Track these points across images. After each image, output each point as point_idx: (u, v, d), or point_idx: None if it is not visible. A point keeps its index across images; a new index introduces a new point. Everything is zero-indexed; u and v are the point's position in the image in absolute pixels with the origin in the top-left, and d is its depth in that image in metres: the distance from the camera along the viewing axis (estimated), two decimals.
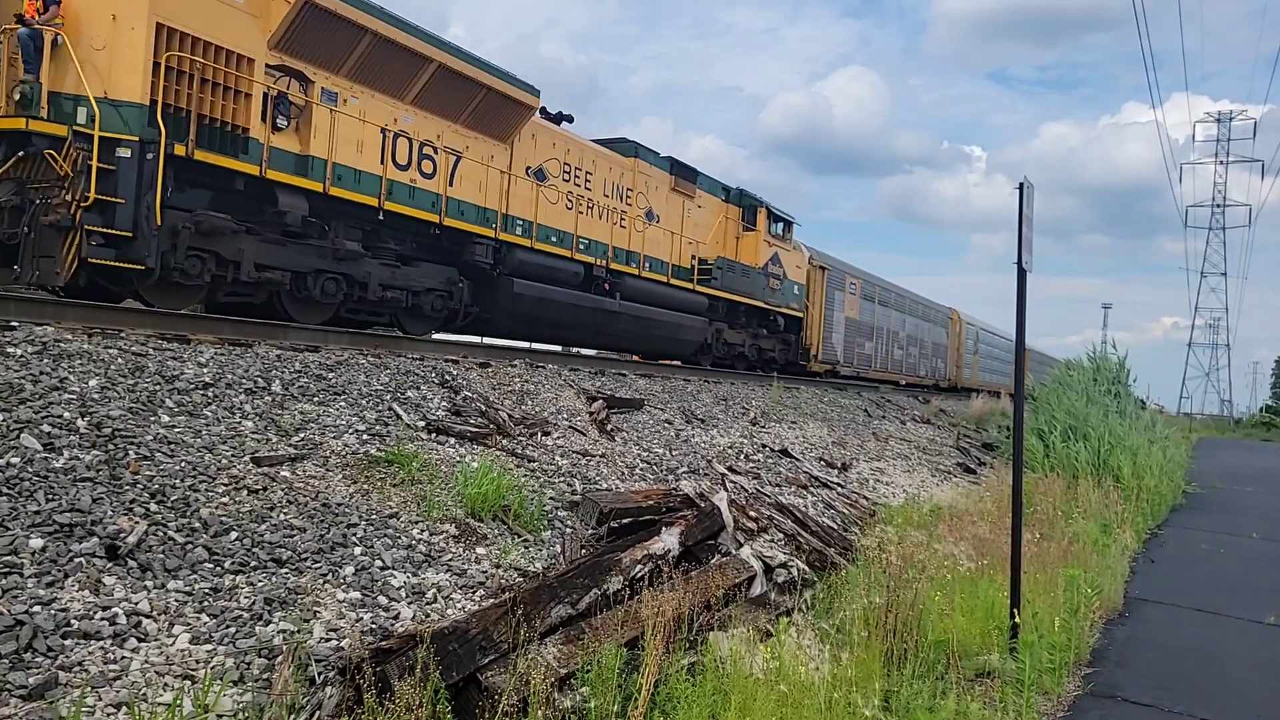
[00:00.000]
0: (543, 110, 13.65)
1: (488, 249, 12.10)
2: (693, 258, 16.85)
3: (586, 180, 14.40)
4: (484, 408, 7.77)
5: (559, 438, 7.90)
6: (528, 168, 13.09)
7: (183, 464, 4.77)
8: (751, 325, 19.32)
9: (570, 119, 14.54)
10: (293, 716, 3.23)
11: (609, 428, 8.88)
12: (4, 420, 4.48)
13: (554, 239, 13.48)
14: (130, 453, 4.65)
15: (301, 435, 5.81)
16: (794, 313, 20.91)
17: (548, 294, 13.13)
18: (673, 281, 16.17)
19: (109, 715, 3.03)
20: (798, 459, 10.48)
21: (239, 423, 5.61)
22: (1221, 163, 76.53)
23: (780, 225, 20.37)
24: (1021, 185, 5.46)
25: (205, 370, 6.18)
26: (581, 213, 14.08)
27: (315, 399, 6.54)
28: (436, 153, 11.29)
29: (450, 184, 11.48)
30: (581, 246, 13.98)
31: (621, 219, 15.10)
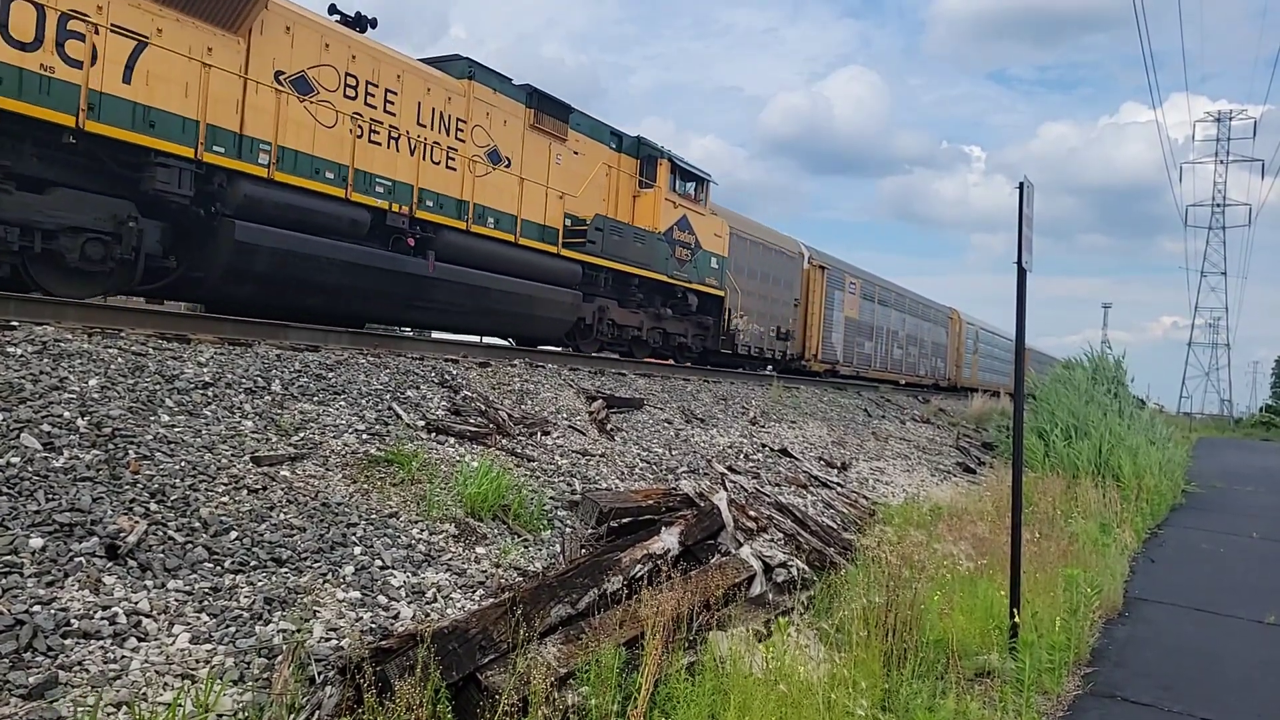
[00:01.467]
0: (331, 9, 10.83)
1: (182, 175, 8.55)
2: (565, 216, 13.60)
3: (387, 102, 10.81)
4: (484, 407, 7.77)
5: (559, 437, 7.90)
6: (280, 73, 9.63)
7: (183, 463, 4.77)
8: (653, 304, 16.03)
9: (373, 24, 11.20)
10: (293, 716, 3.23)
11: (609, 427, 8.88)
12: (4, 420, 4.48)
13: (322, 173, 9.98)
14: (130, 452, 4.65)
15: (301, 435, 5.81)
16: (710, 290, 17.54)
17: (302, 247, 9.60)
18: (524, 242, 12.71)
19: (109, 715, 3.03)
20: (797, 458, 10.49)
21: (239, 422, 5.61)
22: (1221, 162, 76.60)
23: (691, 184, 17.05)
24: (1021, 185, 5.46)
25: (205, 370, 6.18)
26: (376, 143, 10.53)
27: (315, 398, 6.54)
28: (97, 31, 7.88)
29: (126, 79, 8.16)
30: (372, 187, 10.43)
31: (447, 157, 11.49)
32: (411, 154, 11.11)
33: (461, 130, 11.96)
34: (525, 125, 13.08)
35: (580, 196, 14.08)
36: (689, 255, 16.71)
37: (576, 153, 14.19)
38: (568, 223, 13.79)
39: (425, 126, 11.39)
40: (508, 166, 12.67)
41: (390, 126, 10.83)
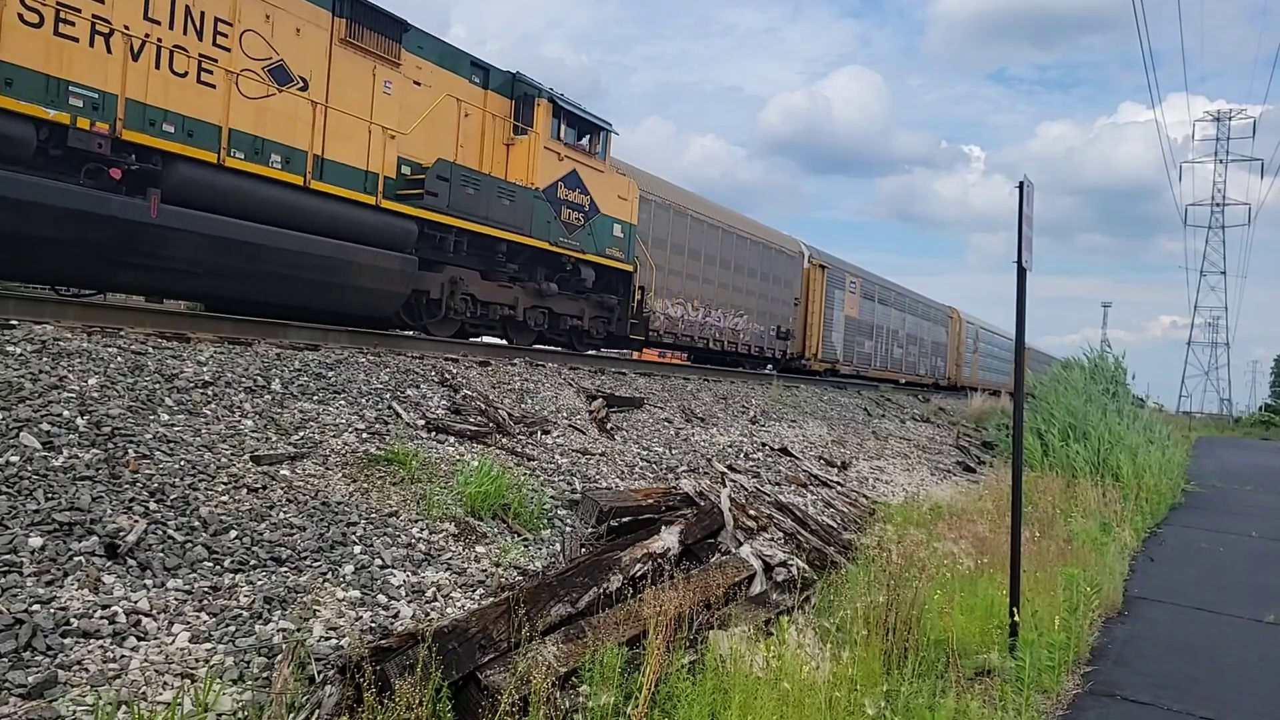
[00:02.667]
0: None
1: None
2: (400, 162, 10.82)
3: None
4: (483, 406, 7.76)
5: (559, 436, 7.90)
6: None
7: (182, 463, 4.76)
8: (533, 277, 13.04)
9: None
10: (292, 715, 3.23)
11: (609, 426, 8.88)
12: (3, 419, 4.48)
13: None
14: (129, 451, 4.64)
15: (301, 434, 5.81)
16: (614, 263, 14.54)
17: None
18: (322, 187, 9.70)
19: (109, 714, 3.03)
20: (797, 457, 10.49)
21: (238, 421, 5.60)
22: (1221, 161, 76.64)
23: (586, 136, 14.11)
24: (1021, 184, 5.45)
25: (205, 369, 6.18)
26: (67, 36, 7.66)
27: (315, 397, 6.54)
28: None
29: None
30: (60, 95, 7.63)
31: (198, 69, 8.61)
32: (140, 59, 8.17)
33: (225, 35, 8.94)
34: (333, 39, 10.02)
35: (421, 138, 10.98)
36: (581, 220, 13.66)
37: (418, 83, 11.08)
38: (405, 171, 10.88)
39: (157, 23, 8.36)
40: (302, 89, 9.61)
41: (95, 17, 7.85)
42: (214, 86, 8.81)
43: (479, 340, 12.64)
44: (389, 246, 10.44)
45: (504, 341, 12.77)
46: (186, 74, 8.59)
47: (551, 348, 13.87)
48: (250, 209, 8.99)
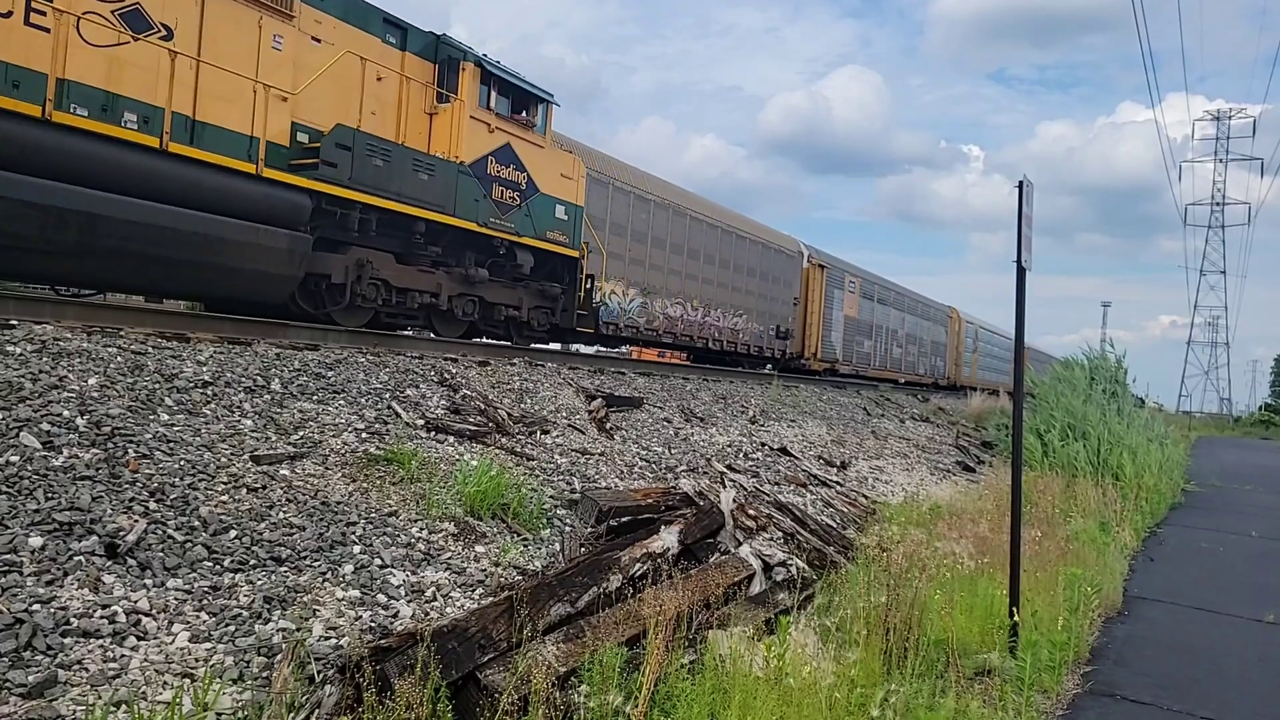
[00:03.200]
0: None
1: None
2: (294, 128, 9.45)
3: None
4: (483, 406, 7.76)
5: (558, 436, 7.90)
6: None
7: (182, 462, 4.76)
8: (460, 262, 11.69)
9: None
10: (292, 715, 3.23)
11: (608, 426, 8.88)
12: (3, 418, 4.48)
13: None
14: (129, 451, 4.64)
15: (301, 433, 5.81)
16: (557, 248, 13.20)
17: None
18: (180, 150, 8.30)
19: (109, 713, 3.03)
20: (797, 457, 10.49)
21: (238, 421, 5.60)
22: (1220, 161, 76.68)
23: (523, 106, 12.56)
24: (1021, 184, 5.45)
25: (204, 369, 6.18)
26: None
27: (314, 397, 6.54)
28: None
29: None
30: None
31: (27, 8, 7.32)
32: None
33: None
34: None
35: (321, 102, 9.68)
36: (517, 199, 12.31)
37: (317, 40, 9.75)
38: (302, 138, 9.51)
39: None
40: (165, 38, 8.27)
41: None
42: (47, 30, 7.44)
43: (478, 340, 12.60)
44: (276, 223, 9.05)
45: (432, 335, 11.58)
46: (11, 13, 7.22)
47: (545, 346, 13.52)
48: (96, 175, 7.71)
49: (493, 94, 11.95)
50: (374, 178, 10.06)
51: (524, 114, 12.56)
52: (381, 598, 4.31)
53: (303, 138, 9.62)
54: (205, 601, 3.79)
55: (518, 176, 12.46)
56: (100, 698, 3.07)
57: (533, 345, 13.22)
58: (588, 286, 14.07)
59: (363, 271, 10.43)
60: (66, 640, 3.29)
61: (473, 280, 11.91)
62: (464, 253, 11.79)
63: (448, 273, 11.57)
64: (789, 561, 5.63)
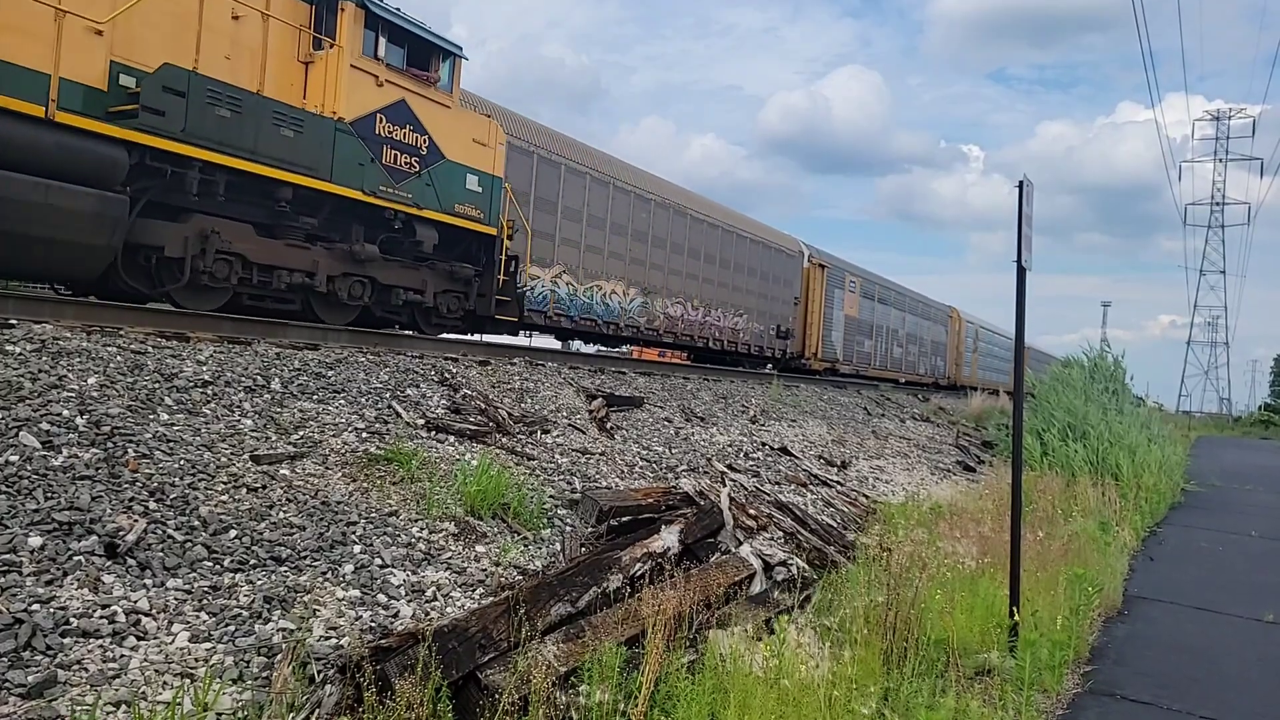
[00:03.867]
0: None
1: None
2: (114, 69, 7.82)
3: None
4: (483, 406, 7.76)
5: (558, 436, 7.90)
6: None
7: (182, 462, 4.76)
8: (345, 237, 10.10)
9: None
10: (292, 715, 3.23)
11: (608, 426, 8.88)
12: (3, 418, 4.47)
13: None
14: (129, 451, 4.64)
15: (301, 433, 5.80)
16: (471, 225, 11.44)
17: None
18: None
19: (108, 713, 3.03)
20: (797, 457, 10.49)
21: (238, 421, 5.60)
22: (1220, 161, 76.67)
23: (423, 58, 10.74)
24: (1021, 183, 5.45)
25: (204, 368, 6.18)
26: None
27: (314, 397, 6.53)
28: None
29: None
30: None
31: None
32: None
33: None
34: None
35: (153, 38, 8.08)
36: (415, 166, 10.60)
37: None
38: (128, 82, 7.88)
39: None
40: None
41: None
42: None
43: (478, 339, 12.54)
44: (78, 180, 7.40)
45: (313, 320, 9.89)
46: None
47: (545, 346, 13.03)
48: None
49: (382, 41, 10.15)
50: (218, 131, 8.34)
51: (425, 68, 10.72)
52: (382, 597, 4.31)
53: (127, 81, 7.90)
54: (205, 601, 3.79)
55: (416, 139, 10.66)
56: (100, 698, 3.07)
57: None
58: (512, 269, 12.47)
59: (208, 244, 8.65)
60: (66, 640, 3.29)
61: (360, 258, 10.21)
62: (349, 226, 10.16)
63: (328, 249, 9.94)
64: (789, 561, 5.62)
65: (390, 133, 10.33)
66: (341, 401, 6.65)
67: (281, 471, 5.15)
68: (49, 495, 4.03)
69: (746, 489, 7.62)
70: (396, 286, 10.89)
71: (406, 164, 10.54)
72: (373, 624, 4.05)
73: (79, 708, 2.99)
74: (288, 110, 9.10)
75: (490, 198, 11.82)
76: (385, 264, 10.64)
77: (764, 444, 10.63)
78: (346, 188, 9.78)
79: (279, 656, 3.54)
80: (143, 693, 3.17)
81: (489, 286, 12.01)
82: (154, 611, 3.60)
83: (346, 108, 9.72)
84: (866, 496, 9.85)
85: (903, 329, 31.30)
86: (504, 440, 7.19)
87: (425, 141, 10.81)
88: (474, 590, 4.69)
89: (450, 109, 11.20)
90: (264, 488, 4.86)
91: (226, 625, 3.68)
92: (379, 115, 10.17)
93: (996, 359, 42.96)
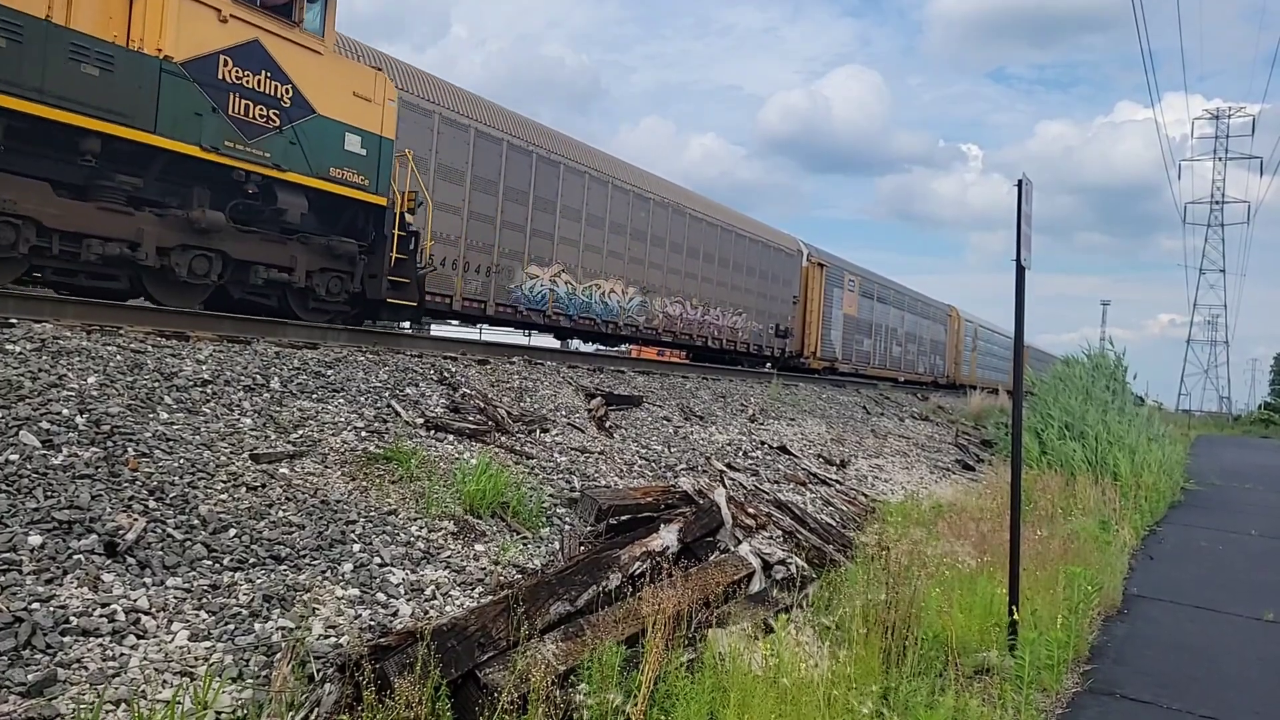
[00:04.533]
0: None
1: None
2: None
3: None
4: (482, 405, 7.76)
5: (558, 435, 7.90)
6: None
7: (181, 461, 4.76)
8: (186, 203, 8.54)
9: None
10: (292, 713, 3.23)
11: (607, 425, 8.88)
12: (3, 417, 4.47)
13: None
14: (129, 450, 4.64)
15: (300, 432, 5.80)
16: (352, 192, 9.78)
17: None
18: None
19: (108, 712, 3.03)
20: (796, 456, 10.49)
21: (237, 420, 5.60)
22: (1220, 159, 76.67)
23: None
24: (1020, 183, 5.45)
25: (204, 367, 6.17)
26: None
27: (314, 396, 6.53)
28: None
29: None
30: None
31: None
32: None
33: None
34: None
35: None
36: (276, 120, 8.96)
37: None
38: None
39: None
40: None
41: None
42: None
43: (478, 339, 12.52)
44: None
45: (149, 302, 8.58)
46: None
47: (543, 345, 12.74)
48: None
49: None
50: None
51: (286, 5, 9.07)
52: (381, 596, 4.31)
53: None
54: (205, 600, 3.79)
55: (276, 89, 8.95)
56: (100, 696, 3.07)
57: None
58: (411, 247, 10.73)
59: None
60: (66, 639, 3.29)
61: (202, 227, 8.50)
62: (188, 189, 8.57)
63: (159, 215, 8.32)
64: (788, 560, 5.63)
65: (239, 79, 8.59)
66: (340, 400, 6.64)
67: (281, 470, 5.15)
68: (49, 494, 4.03)
69: (745, 488, 7.62)
70: (255, 263, 9.16)
71: (262, 117, 8.84)
72: (372, 623, 4.05)
73: (79, 706, 2.99)
74: (91, 43, 7.43)
75: (378, 162, 10.11)
76: (239, 236, 8.95)
77: (763, 443, 10.63)
78: (178, 141, 8.12)
79: (278, 655, 3.55)
80: (142, 691, 3.17)
81: (380, 266, 10.29)
82: (153, 610, 3.60)
83: (176, 46, 8.03)
84: (865, 495, 9.86)
85: (902, 328, 31.30)
86: (503, 439, 7.19)
87: (288, 92, 9.10)
88: (473, 589, 4.69)
89: (322, 56, 9.45)
90: (263, 486, 4.86)
91: (226, 624, 3.68)
92: (223, 57, 8.45)
93: (996, 358, 42.98)
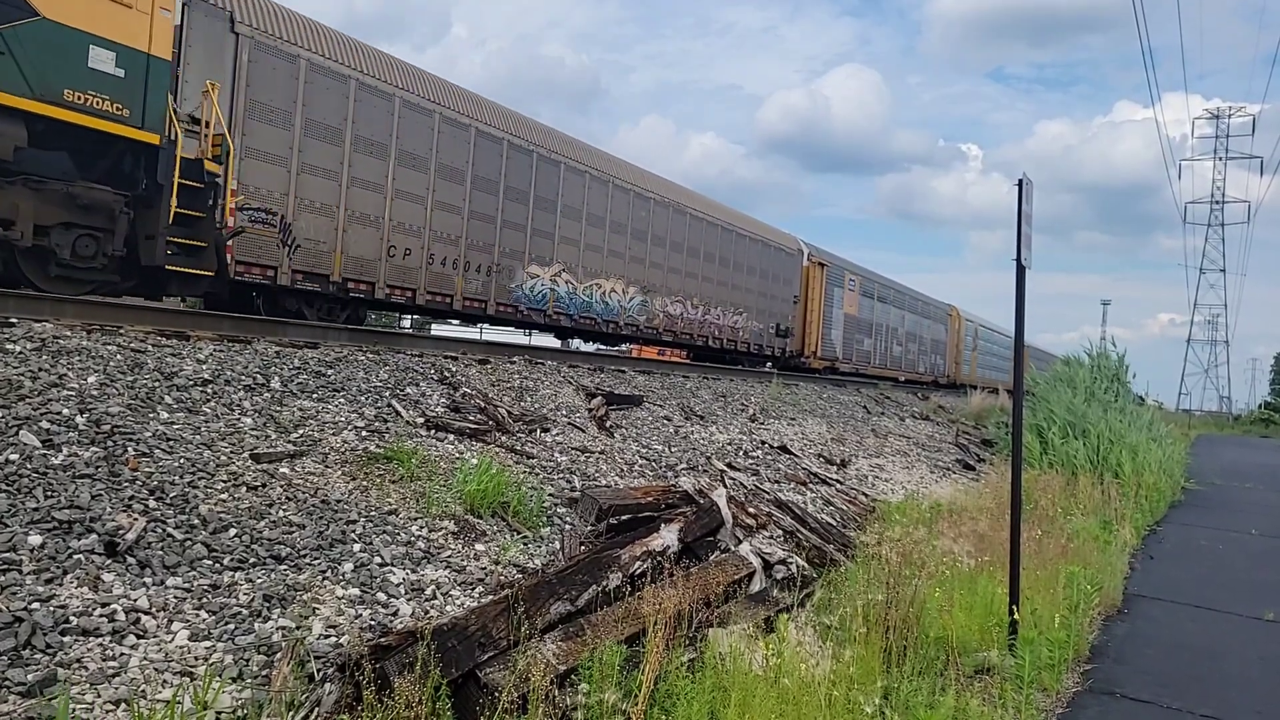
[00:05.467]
0: None
1: None
2: None
3: None
4: (483, 404, 7.76)
5: (558, 434, 7.90)
6: None
7: (181, 461, 4.76)
8: None
9: None
10: (292, 713, 3.23)
11: (608, 424, 8.88)
12: (3, 417, 4.47)
13: None
14: (129, 449, 4.64)
15: (300, 432, 5.80)
16: (101, 124, 7.45)
17: None
18: None
19: (108, 712, 3.03)
20: (797, 455, 10.48)
21: (238, 419, 5.60)
22: (1220, 159, 76.63)
23: None
24: (1020, 182, 5.45)
25: (204, 367, 6.17)
26: None
27: (314, 395, 6.53)
28: None
29: None
30: None
31: None
32: None
33: None
34: None
35: None
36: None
37: None
38: None
39: None
40: None
41: None
42: None
43: (478, 338, 12.53)
44: None
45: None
46: None
47: (543, 345, 12.63)
48: None
49: None
50: None
51: None
52: (381, 596, 4.31)
53: None
54: (205, 600, 3.79)
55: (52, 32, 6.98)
56: (100, 696, 3.07)
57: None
58: (210, 203, 8.61)
59: None
60: (66, 638, 3.29)
61: None
62: None
63: None
64: (789, 559, 5.62)
65: None
66: (341, 400, 6.64)
67: (281, 470, 5.15)
68: (49, 494, 4.03)
69: (746, 487, 7.62)
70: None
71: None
72: (372, 622, 4.05)
73: (79, 706, 2.99)
74: None
75: (144, 87, 7.77)
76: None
77: (763, 442, 10.63)
78: None
79: (278, 655, 3.54)
80: (142, 691, 3.17)
81: (157, 222, 8.04)
82: (153, 610, 3.60)
83: None
84: (866, 495, 9.85)
85: (902, 327, 31.29)
86: (503, 439, 7.19)
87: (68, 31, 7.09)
88: (473, 589, 4.68)
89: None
90: (264, 486, 4.86)
91: (226, 624, 3.68)
92: None
93: (996, 357, 42.97)
